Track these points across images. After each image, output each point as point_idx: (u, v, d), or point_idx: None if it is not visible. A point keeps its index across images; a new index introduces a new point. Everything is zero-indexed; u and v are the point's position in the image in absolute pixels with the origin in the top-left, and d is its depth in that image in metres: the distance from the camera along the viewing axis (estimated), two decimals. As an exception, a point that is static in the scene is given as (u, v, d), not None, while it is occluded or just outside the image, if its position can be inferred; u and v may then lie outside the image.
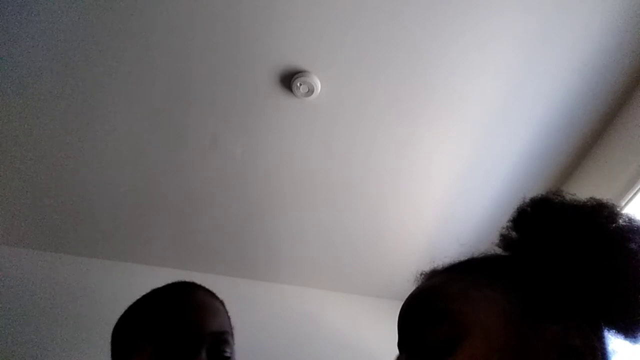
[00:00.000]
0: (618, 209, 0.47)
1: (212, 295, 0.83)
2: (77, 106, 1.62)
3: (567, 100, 1.53)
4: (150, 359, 0.70)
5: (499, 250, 0.51)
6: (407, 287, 2.20)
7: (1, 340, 1.81)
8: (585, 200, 0.47)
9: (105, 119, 1.66)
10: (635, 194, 1.45)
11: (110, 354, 0.81)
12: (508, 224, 0.49)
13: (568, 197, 0.48)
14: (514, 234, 0.49)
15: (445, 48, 1.42)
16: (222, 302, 0.84)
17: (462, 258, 0.50)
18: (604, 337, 0.42)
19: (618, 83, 1.48)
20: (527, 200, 0.49)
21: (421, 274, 0.50)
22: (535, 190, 1.97)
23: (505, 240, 0.49)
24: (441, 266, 0.50)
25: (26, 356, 1.80)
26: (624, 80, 1.47)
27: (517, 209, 0.50)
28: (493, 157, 1.70)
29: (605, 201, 0.47)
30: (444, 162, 1.73)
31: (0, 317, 1.86)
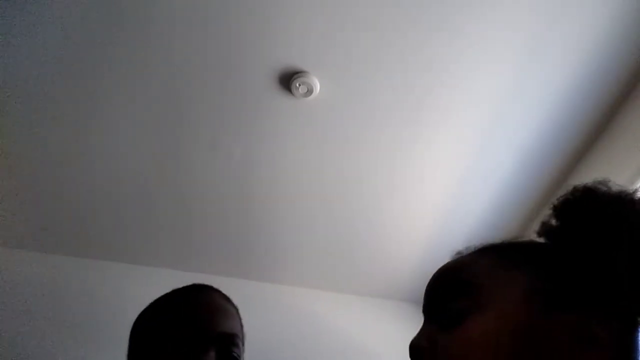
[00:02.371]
0: None
1: (226, 298, 0.86)
2: (76, 108, 1.62)
3: (566, 103, 1.53)
4: (166, 357, 0.71)
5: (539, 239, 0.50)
6: (408, 287, 2.23)
7: (1, 341, 1.80)
8: (631, 191, 0.47)
9: (104, 122, 1.66)
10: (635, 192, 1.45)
11: (127, 352, 0.82)
12: (549, 211, 0.48)
13: (614, 187, 0.47)
14: (554, 221, 0.48)
15: (444, 49, 1.42)
16: (236, 308, 0.87)
17: (502, 240, 0.50)
18: (635, 333, 0.41)
19: (617, 85, 1.48)
20: (572, 188, 0.48)
21: (457, 252, 0.51)
22: (534, 191, 1.98)
23: (544, 228, 0.49)
24: (478, 245, 0.51)
25: (27, 358, 1.80)
26: (624, 82, 1.47)
27: (561, 196, 0.49)
28: (492, 158, 1.70)
29: None
30: (443, 163, 1.73)
31: (0, 319, 1.86)
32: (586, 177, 1.67)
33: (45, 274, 2.06)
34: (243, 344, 0.81)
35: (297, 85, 1.50)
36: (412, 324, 2.44)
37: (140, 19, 1.40)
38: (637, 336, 0.40)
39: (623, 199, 0.45)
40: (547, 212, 0.49)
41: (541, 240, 0.49)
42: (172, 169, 1.81)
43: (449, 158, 1.72)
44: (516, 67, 1.46)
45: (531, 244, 0.49)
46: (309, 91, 1.52)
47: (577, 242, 0.45)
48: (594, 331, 0.39)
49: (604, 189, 0.47)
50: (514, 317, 0.41)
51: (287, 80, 1.51)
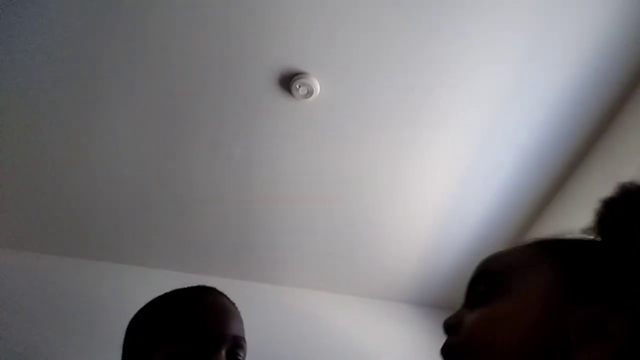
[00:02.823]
0: None
1: (232, 301, 0.88)
2: (75, 109, 1.62)
3: (566, 103, 1.53)
4: (172, 355, 0.72)
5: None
6: (408, 288, 2.22)
7: (1, 342, 1.80)
8: None
9: (103, 122, 1.66)
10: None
11: (122, 351, 0.81)
12: (599, 207, 0.49)
13: None
14: (600, 216, 0.49)
15: (444, 50, 1.42)
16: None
17: (554, 236, 0.52)
18: None
19: (618, 85, 1.48)
20: (621, 185, 0.49)
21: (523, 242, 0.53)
22: (534, 191, 1.97)
23: (593, 222, 0.49)
24: (532, 239, 0.52)
25: (25, 358, 1.79)
26: (624, 82, 1.47)
27: (612, 193, 0.50)
28: (492, 158, 1.70)
29: None
30: (443, 163, 1.73)
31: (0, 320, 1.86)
32: (587, 177, 1.67)
33: (44, 275, 2.06)
34: (246, 345, 0.83)
35: (298, 86, 1.50)
36: (411, 326, 2.46)
37: (140, 20, 1.40)
38: None
39: None
40: (597, 206, 0.50)
41: (589, 235, 0.49)
42: (172, 169, 1.81)
43: (449, 158, 1.72)
44: (516, 67, 1.46)
45: (574, 240, 0.50)
46: (309, 92, 1.52)
47: (618, 238, 0.45)
48: (610, 325, 0.40)
49: None
50: (533, 302, 0.43)
51: (288, 81, 1.51)
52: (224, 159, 1.76)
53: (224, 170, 1.80)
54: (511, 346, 0.42)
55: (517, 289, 0.45)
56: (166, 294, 0.87)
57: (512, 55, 1.43)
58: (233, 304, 0.87)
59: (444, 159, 1.72)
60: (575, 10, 1.32)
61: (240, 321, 0.83)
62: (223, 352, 0.74)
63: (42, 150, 1.75)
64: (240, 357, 0.78)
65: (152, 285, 2.32)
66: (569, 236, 0.50)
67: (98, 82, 1.55)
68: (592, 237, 0.49)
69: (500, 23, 1.36)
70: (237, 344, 0.78)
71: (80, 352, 1.84)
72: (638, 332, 0.39)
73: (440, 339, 0.50)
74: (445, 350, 0.47)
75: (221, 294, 0.88)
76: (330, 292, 2.31)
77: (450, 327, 0.49)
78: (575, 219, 1.67)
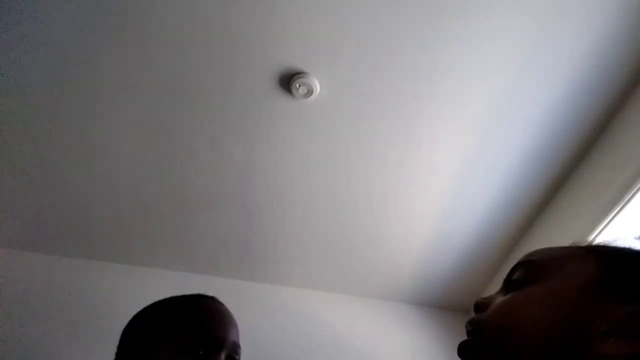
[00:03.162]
0: None
1: (225, 306, 0.89)
2: (75, 109, 1.62)
3: (566, 100, 1.53)
4: (171, 357, 0.73)
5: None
6: (408, 288, 2.22)
7: (1, 342, 1.80)
8: None
9: (104, 122, 1.66)
10: (635, 193, 1.45)
11: (116, 353, 0.81)
12: None
13: None
14: None
15: (444, 51, 1.42)
16: None
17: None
18: None
19: (616, 83, 1.48)
20: None
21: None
22: (534, 191, 1.97)
23: None
24: (589, 243, 0.54)
25: (25, 359, 1.79)
26: (623, 81, 1.48)
27: None
28: (492, 157, 1.70)
29: None
30: (443, 163, 1.73)
31: (-1, 321, 1.86)
32: (587, 177, 1.67)
33: (45, 275, 2.06)
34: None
35: (297, 86, 1.50)
36: (412, 326, 2.45)
37: (141, 20, 1.40)
38: None
39: None
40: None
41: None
42: (172, 169, 1.81)
43: (449, 158, 1.72)
44: (515, 68, 1.46)
45: (622, 247, 0.50)
46: (309, 92, 1.52)
47: None
48: (635, 328, 0.40)
49: None
50: (568, 289, 0.44)
51: (287, 81, 1.51)
52: (224, 159, 1.76)
53: (224, 169, 1.80)
54: (534, 327, 0.42)
55: (553, 276, 0.46)
56: (165, 299, 0.87)
57: (510, 56, 1.43)
58: (229, 312, 0.89)
59: (444, 158, 1.72)
60: (573, 10, 1.32)
61: (237, 329, 0.85)
62: (223, 356, 0.76)
63: (42, 151, 1.75)
64: None
65: (152, 285, 2.33)
66: (626, 246, 0.51)
67: (98, 82, 1.55)
68: None
69: (498, 23, 1.36)
70: (235, 351, 0.80)
71: (81, 352, 1.84)
72: None
73: (441, 339, 0.51)
74: (470, 324, 0.49)
75: (219, 301, 0.89)
76: (330, 292, 2.31)
77: (479, 305, 0.50)
78: (575, 218, 1.67)
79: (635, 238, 0.50)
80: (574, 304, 0.42)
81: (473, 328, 0.48)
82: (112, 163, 1.79)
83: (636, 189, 1.44)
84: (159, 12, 1.38)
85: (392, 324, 2.24)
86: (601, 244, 0.52)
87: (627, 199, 1.46)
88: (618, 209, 1.49)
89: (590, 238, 1.57)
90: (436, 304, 2.30)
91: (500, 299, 0.48)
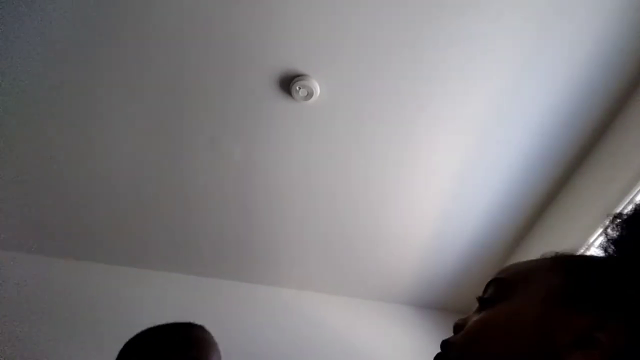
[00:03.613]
0: None
1: (210, 334, 0.99)
2: (75, 109, 1.62)
3: (565, 100, 1.53)
4: None
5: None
6: (408, 290, 2.21)
7: (1, 341, 1.80)
8: None
9: (104, 123, 1.66)
10: (637, 193, 1.45)
11: None
12: (607, 225, 0.51)
13: None
14: (611, 232, 0.51)
15: (443, 50, 1.42)
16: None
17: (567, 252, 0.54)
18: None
19: (616, 84, 1.48)
20: (634, 205, 0.50)
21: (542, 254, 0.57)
22: (534, 192, 1.97)
23: (604, 238, 0.51)
24: (551, 252, 0.55)
25: (24, 359, 1.79)
26: (622, 82, 1.48)
27: (620, 212, 0.51)
28: (492, 157, 1.70)
29: None
30: (443, 164, 1.73)
31: (-1, 323, 1.86)
32: (588, 178, 1.67)
33: (45, 277, 2.06)
34: None
35: (298, 88, 1.50)
36: (411, 327, 2.45)
37: (142, 21, 1.40)
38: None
39: None
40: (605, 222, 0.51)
41: (600, 252, 0.51)
42: (172, 171, 1.81)
43: (449, 160, 1.72)
44: (516, 69, 1.46)
45: (585, 256, 0.51)
46: (309, 94, 1.52)
47: (626, 257, 0.47)
48: (597, 335, 0.40)
49: None
50: (531, 305, 0.44)
51: (288, 83, 1.51)
52: (224, 160, 1.76)
53: (224, 171, 1.80)
54: (502, 345, 0.43)
55: (520, 292, 0.47)
56: (157, 326, 0.96)
57: (510, 58, 1.43)
58: (212, 337, 0.99)
59: (444, 159, 1.72)
60: (573, 13, 1.33)
61: (219, 354, 0.94)
62: None
63: (42, 151, 1.75)
64: None
65: (152, 287, 2.32)
66: (587, 253, 0.52)
67: (98, 82, 1.55)
68: (602, 253, 0.50)
69: (498, 25, 1.36)
70: None
71: (80, 353, 1.84)
72: (628, 343, 0.40)
73: (440, 340, 0.51)
74: (443, 345, 0.50)
75: (204, 330, 0.99)
76: (330, 294, 2.31)
77: (457, 327, 0.51)
78: (575, 220, 1.67)
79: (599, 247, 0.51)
80: (539, 317, 0.43)
81: (442, 350, 0.49)
82: (112, 163, 1.79)
83: (638, 189, 1.44)
84: (159, 14, 1.38)
85: (391, 325, 2.24)
86: (566, 254, 0.52)
87: (628, 199, 1.46)
88: (620, 209, 1.49)
89: (592, 239, 1.57)
90: (436, 305, 2.30)
91: (475, 317, 0.49)
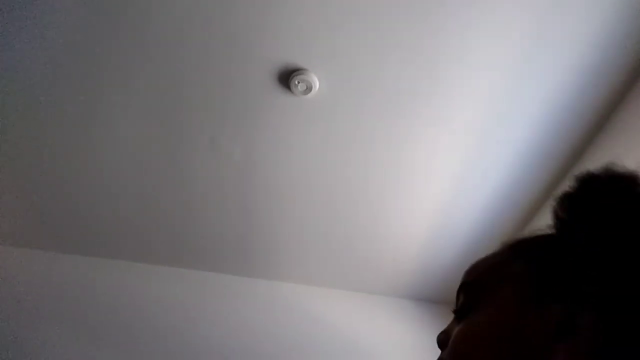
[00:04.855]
0: None
1: None
2: (76, 107, 1.62)
3: (565, 99, 1.53)
4: None
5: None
6: (409, 284, 2.22)
7: (1, 339, 1.81)
8: (632, 172, 0.46)
9: (104, 121, 1.66)
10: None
11: None
12: (555, 202, 0.50)
13: (620, 170, 0.47)
14: (558, 212, 0.49)
15: (443, 46, 1.42)
16: None
17: (523, 236, 0.53)
18: (619, 330, 0.40)
19: (615, 82, 1.48)
20: (574, 176, 0.49)
21: (501, 243, 0.55)
22: (532, 186, 1.97)
23: (553, 219, 0.49)
24: (507, 240, 0.53)
25: (26, 355, 1.80)
26: (621, 80, 1.47)
27: (564, 189, 0.50)
28: (491, 155, 1.71)
29: None
30: (442, 159, 1.73)
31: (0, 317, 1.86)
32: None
33: (45, 272, 2.07)
34: None
35: (297, 82, 1.50)
36: (412, 321, 2.46)
37: (140, 16, 1.40)
38: (622, 332, 0.40)
39: (624, 184, 0.45)
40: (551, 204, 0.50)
41: (551, 231, 0.50)
42: (172, 167, 1.81)
43: (449, 154, 1.72)
44: (514, 65, 1.46)
45: (539, 237, 0.50)
46: (308, 89, 1.52)
47: (574, 231, 0.46)
48: (577, 323, 0.40)
49: (605, 174, 0.47)
50: (505, 310, 0.44)
51: (287, 77, 1.51)
52: (224, 156, 1.76)
53: (223, 166, 1.80)
54: (493, 356, 0.43)
55: (491, 297, 0.46)
56: None
57: (509, 54, 1.43)
58: None
59: (444, 155, 1.72)
60: (571, 9, 1.32)
61: None
62: None
63: (43, 149, 1.75)
64: None
65: (153, 282, 2.33)
66: (538, 233, 0.51)
67: (98, 81, 1.55)
68: (555, 232, 0.49)
69: (497, 22, 1.36)
70: None
71: (81, 348, 1.85)
72: (608, 322, 0.40)
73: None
74: None
75: None
76: (330, 288, 2.32)
77: (440, 342, 0.51)
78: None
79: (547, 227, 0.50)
80: (516, 319, 0.43)
81: None
82: (113, 161, 1.79)
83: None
84: (159, 10, 1.38)
85: (391, 319, 2.25)
86: (520, 239, 0.51)
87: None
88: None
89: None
90: (436, 299, 2.31)
91: (455, 332, 0.48)
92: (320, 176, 1.82)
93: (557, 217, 0.48)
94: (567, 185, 0.49)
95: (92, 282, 2.08)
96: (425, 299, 2.32)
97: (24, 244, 2.11)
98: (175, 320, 2.02)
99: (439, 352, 0.50)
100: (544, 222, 0.50)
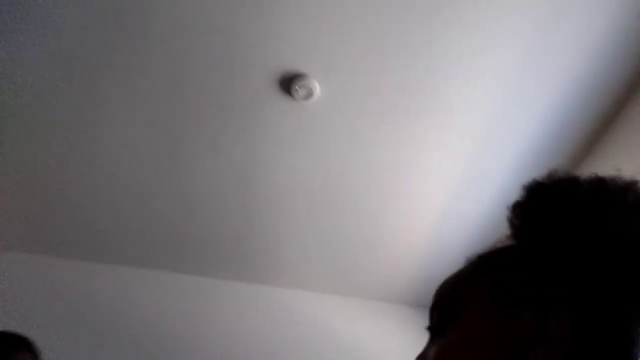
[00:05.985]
0: (629, 182, 0.46)
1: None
2: (77, 111, 1.62)
3: (566, 102, 1.53)
4: None
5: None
6: (407, 290, 2.22)
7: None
8: (587, 178, 0.47)
9: (105, 124, 1.66)
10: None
11: None
12: (508, 212, 0.51)
13: (563, 176, 0.49)
14: (514, 221, 0.50)
15: (443, 52, 1.42)
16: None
17: (486, 248, 0.53)
18: (592, 333, 0.40)
19: (616, 85, 1.49)
20: (523, 185, 0.50)
21: (465, 258, 0.55)
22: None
23: (510, 229, 0.50)
24: (471, 255, 0.54)
25: None
26: (623, 82, 1.48)
27: (514, 200, 0.51)
28: (491, 159, 1.71)
29: (612, 177, 0.46)
30: (442, 165, 1.73)
31: (-1, 322, 1.86)
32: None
33: (45, 277, 2.06)
34: None
35: (297, 88, 1.50)
36: (410, 327, 2.46)
37: (142, 22, 1.40)
38: (595, 336, 0.40)
39: (569, 188, 0.47)
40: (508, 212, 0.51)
41: (511, 241, 0.50)
42: (172, 171, 1.81)
43: (448, 160, 1.72)
44: (515, 69, 1.46)
45: (500, 249, 0.51)
46: (309, 94, 1.52)
47: (532, 239, 0.47)
48: (548, 328, 0.40)
49: (553, 180, 0.49)
50: (478, 323, 0.43)
51: (288, 83, 1.51)
52: (225, 160, 1.76)
53: (224, 171, 1.80)
54: None
55: (463, 313, 0.45)
56: None
57: (510, 58, 1.43)
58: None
59: (443, 160, 1.72)
60: (572, 13, 1.33)
61: None
62: None
63: (43, 153, 1.75)
64: None
65: (152, 288, 2.33)
66: (498, 246, 0.51)
67: (99, 83, 1.55)
68: (513, 243, 0.49)
69: (498, 26, 1.36)
70: None
71: (81, 352, 1.84)
72: (579, 326, 0.40)
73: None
74: None
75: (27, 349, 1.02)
76: (329, 294, 2.31)
77: None
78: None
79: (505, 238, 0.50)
80: (491, 331, 0.42)
81: None
82: (113, 165, 1.79)
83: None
84: (161, 14, 1.38)
85: (390, 325, 2.24)
86: (485, 252, 0.52)
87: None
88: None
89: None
90: (436, 305, 2.30)
91: (431, 355, 0.47)
92: (320, 181, 1.82)
93: (513, 227, 0.49)
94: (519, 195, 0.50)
95: (91, 288, 2.08)
96: (424, 306, 2.31)
97: (23, 249, 2.10)
98: (174, 326, 2.02)
99: None
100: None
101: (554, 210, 0.46)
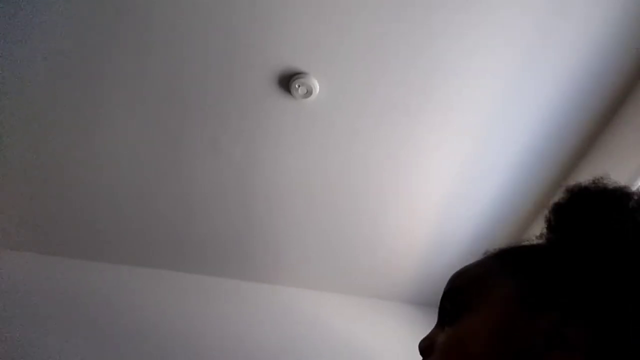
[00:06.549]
0: None
1: None
2: (77, 110, 1.63)
3: (565, 101, 1.53)
4: None
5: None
6: (409, 289, 2.22)
7: (1, 343, 1.80)
8: (622, 186, 0.47)
9: (105, 123, 1.66)
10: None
11: None
12: (547, 214, 0.50)
13: (608, 185, 0.47)
14: (549, 223, 0.50)
15: (443, 50, 1.42)
16: None
17: (509, 244, 0.53)
18: (610, 340, 0.40)
19: (616, 83, 1.49)
20: (565, 188, 0.49)
21: (484, 252, 0.55)
22: (532, 190, 1.97)
23: (546, 229, 0.50)
24: (492, 249, 0.54)
25: (26, 358, 1.79)
26: (622, 81, 1.48)
27: (555, 200, 0.50)
28: (491, 159, 1.71)
29: None
30: (442, 163, 1.73)
31: (0, 321, 1.86)
32: (585, 177, 1.67)
33: (46, 276, 2.06)
34: None
35: (297, 86, 1.50)
36: (412, 326, 2.45)
37: (141, 21, 1.40)
38: (613, 343, 0.40)
39: (609, 195, 0.46)
40: (544, 214, 0.50)
41: (541, 241, 0.50)
42: (172, 170, 1.81)
43: (449, 158, 1.72)
44: (515, 69, 1.46)
45: (527, 248, 0.50)
46: (309, 92, 1.52)
47: (564, 242, 0.46)
48: (567, 332, 0.40)
49: (597, 187, 0.47)
50: (495, 317, 0.43)
51: (287, 81, 1.51)
52: (224, 159, 1.76)
53: (224, 170, 1.80)
54: None
55: (478, 305, 0.45)
56: None
57: (509, 56, 1.43)
58: None
59: (443, 160, 1.72)
60: (571, 11, 1.33)
61: None
62: None
63: (43, 152, 1.75)
64: None
65: (153, 286, 2.32)
66: (526, 243, 0.51)
67: (99, 82, 1.55)
68: (544, 243, 0.49)
69: (498, 24, 1.36)
70: None
71: (81, 352, 1.84)
72: (598, 337, 0.39)
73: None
74: None
75: None
76: (329, 292, 2.31)
77: (423, 350, 0.50)
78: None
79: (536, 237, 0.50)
80: (506, 328, 0.42)
81: None
82: (114, 164, 1.79)
83: (636, 187, 1.44)
84: (161, 13, 1.38)
85: (391, 323, 2.24)
86: (507, 248, 0.51)
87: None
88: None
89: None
90: (435, 303, 2.29)
91: (440, 340, 0.47)
92: (320, 179, 1.82)
93: (549, 228, 0.49)
94: (559, 196, 0.49)
95: (92, 287, 2.08)
96: (425, 303, 2.31)
97: (23, 249, 2.10)
98: (175, 324, 2.02)
99: None
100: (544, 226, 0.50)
101: (594, 218, 0.45)
